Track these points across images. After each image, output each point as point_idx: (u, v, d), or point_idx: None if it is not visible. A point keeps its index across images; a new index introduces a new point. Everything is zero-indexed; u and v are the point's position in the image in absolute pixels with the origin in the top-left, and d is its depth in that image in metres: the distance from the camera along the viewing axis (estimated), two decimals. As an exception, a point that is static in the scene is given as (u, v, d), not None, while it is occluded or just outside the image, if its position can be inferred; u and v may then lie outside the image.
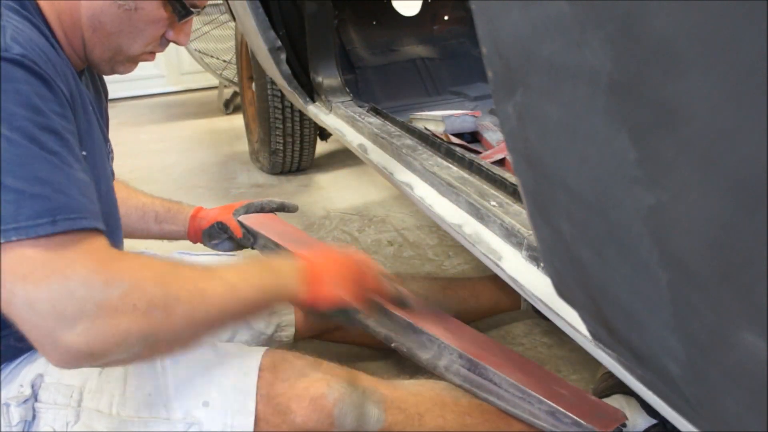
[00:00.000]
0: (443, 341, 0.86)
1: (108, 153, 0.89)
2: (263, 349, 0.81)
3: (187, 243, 1.19)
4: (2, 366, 0.74)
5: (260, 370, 0.76)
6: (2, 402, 0.72)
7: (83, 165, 0.64)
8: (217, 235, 1.14)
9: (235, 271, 0.72)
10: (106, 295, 0.56)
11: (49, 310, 0.55)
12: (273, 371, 0.77)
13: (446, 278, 1.41)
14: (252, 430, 0.74)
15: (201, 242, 1.16)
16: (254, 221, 1.14)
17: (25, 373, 0.74)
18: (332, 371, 0.80)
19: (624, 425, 0.79)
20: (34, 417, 0.72)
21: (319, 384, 0.77)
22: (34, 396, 0.73)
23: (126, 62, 0.81)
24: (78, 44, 0.76)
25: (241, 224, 1.13)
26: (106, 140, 0.91)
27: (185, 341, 0.67)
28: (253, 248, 1.14)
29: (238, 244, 1.15)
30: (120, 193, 1.01)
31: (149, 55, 0.82)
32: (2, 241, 0.55)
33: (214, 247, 1.16)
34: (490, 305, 1.29)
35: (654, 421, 0.93)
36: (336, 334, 1.20)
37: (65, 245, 0.57)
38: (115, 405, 0.73)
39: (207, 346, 0.80)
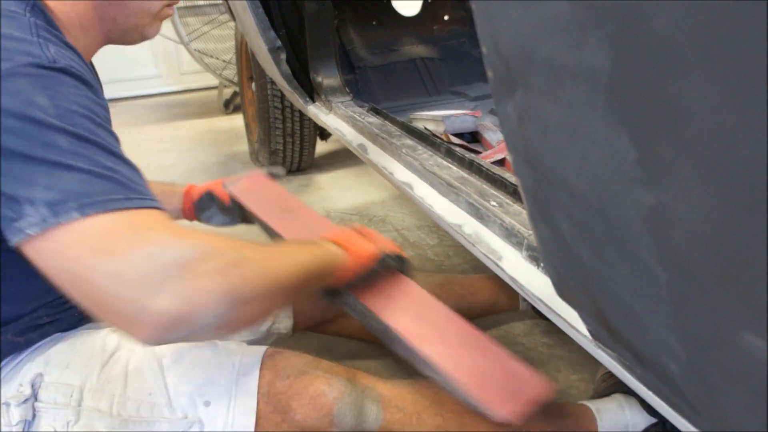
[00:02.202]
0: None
1: None
2: (263, 348, 0.81)
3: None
4: (2, 365, 0.74)
5: (261, 369, 0.77)
6: (2, 401, 0.72)
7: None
8: (207, 206, 1.14)
9: (288, 246, 0.78)
10: (188, 258, 0.57)
11: (136, 278, 0.55)
12: (273, 369, 0.77)
13: (443, 275, 1.41)
14: (253, 429, 0.74)
15: (196, 218, 1.16)
16: (241, 187, 1.13)
17: (24, 372, 0.74)
18: (332, 369, 0.80)
19: (552, 402, 0.76)
20: (34, 416, 0.72)
21: (318, 382, 0.77)
22: (34, 395, 0.73)
23: (152, 22, 0.81)
24: (95, 27, 0.77)
25: (230, 193, 1.12)
26: None
27: (263, 303, 0.66)
28: (243, 219, 1.13)
29: (228, 214, 1.14)
30: None
31: (169, 8, 0.82)
32: (80, 216, 0.56)
33: (207, 220, 1.14)
34: (488, 304, 1.28)
35: (654, 420, 0.94)
36: (331, 326, 1.20)
37: (140, 220, 0.59)
38: (115, 405, 0.73)
39: (207, 345, 0.80)
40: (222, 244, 0.62)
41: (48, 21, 0.70)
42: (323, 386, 0.77)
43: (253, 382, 0.76)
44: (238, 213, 1.13)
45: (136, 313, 0.56)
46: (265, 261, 0.65)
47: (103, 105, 0.67)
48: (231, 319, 0.61)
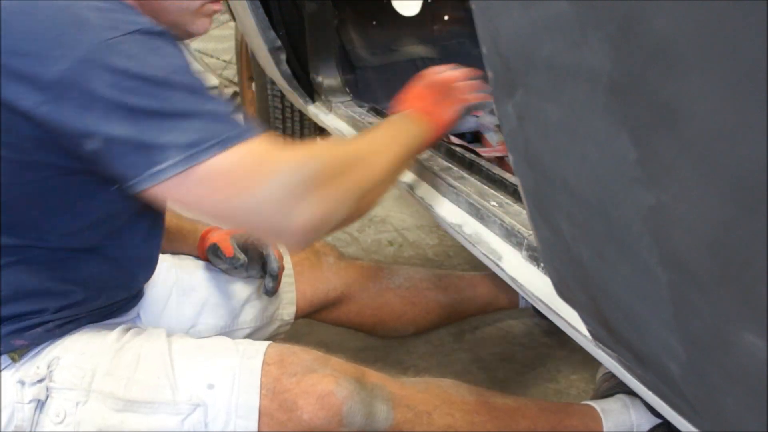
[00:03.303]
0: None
1: None
2: (267, 343, 0.81)
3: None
4: (31, 350, 0.76)
5: (266, 364, 0.76)
6: (18, 380, 0.73)
7: None
8: (213, 256, 1.13)
9: (380, 130, 0.86)
10: (311, 175, 0.67)
11: (275, 207, 0.66)
12: (280, 366, 0.77)
13: (444, 270, 1.41)
14: (257, 406, 0.74)
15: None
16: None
17: (44, 355, 0.75)
18: (340, 367, 0.79)
19: None
20: (47, 397, 0.73)
21: (327, 381, 0.76)
22: (49, 376, 0.74)
23: (195, 19, 0.82)
24: None
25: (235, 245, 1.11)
26: None
27: (378, 188, 0.80)
28: (245, 270, 1.11)
29: (231, 266, 1.12)
30: None
31: (213, 4, 0.83)
32: (219, 150, 0.64)
33: (216, 265, 1.14)
34: (487, 300, 1.28)
35: (658, 421, 0.93)
36: (331, 313, 1.19)
37: (260, 150, 0.67)
38: (123, 388, 0.74)
39: (213, 338, 0.82)
40: (334, 151, 0.74)
41: None
42: (332, 385, 0.76)
43: (257, 366, 0.76)
44: (240, 266, 1.11)
45: (281, 231, 0.68)
46: (372, 155, 0.77)
47: (192, 64, 0.73)
48: (359, 208, 0.77)
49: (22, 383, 0.73)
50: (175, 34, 0.81)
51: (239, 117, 0.69)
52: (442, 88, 0.95)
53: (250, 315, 1.07)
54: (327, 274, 1.16)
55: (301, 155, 0.68)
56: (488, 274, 1.25)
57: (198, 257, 1.10)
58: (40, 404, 0.73)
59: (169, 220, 1.09)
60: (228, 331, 1.04)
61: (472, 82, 0.99)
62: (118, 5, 0.69)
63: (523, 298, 1.25)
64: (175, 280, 1.01)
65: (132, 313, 0.93)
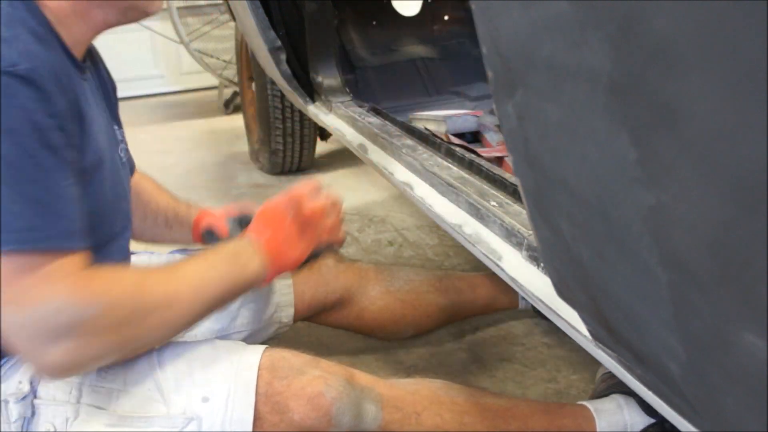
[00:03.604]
0: None
1: (119, 141, 0.88)
2: (262, 347, 0.81)
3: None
4: (2, 362, 0.74)
5: (259, 368, 0.77)
6: (1, 398, 0.72)
7: (74, 180, 0.66)
8: (208, 240, 1.13)
9: (204, 266, 0.76)
10: (83, 318, 0.62)
11: (34, 334, 0.61)
12: (271, 370, 0.77)
13: (444, 270, 1.41)
14: (251, 419, 0.74)
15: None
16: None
17: (24, 368, 0.74)
18: (330, 369, 0.80)
19: None
20: (33, 414, 0.72)
21: (317, 382, 0.77)
22: (33, 392, 0.73)
23: None
24: (89, 11, 0.74)
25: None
26: (119, 126, 0.90)
27: (159, 342, 0.74)
28: None
29: None
30: (143, 196, 1.05)
31: None
32: (12, 249, 0.59)
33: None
34: (486, 301, 1.28)
35: (652, 421, 0.93)
36: (330, 316, 1.20)
37: (50, 268, 0.61)
38: (113, 401, 0.73)
39: (206, 343, 0.81)
40: (123, 295, 0.66)
41: (30, 9, 0.68)
42: (321, 386, 0.77)
43: (252, 379, 0.76)
44: None
45: (33, 359, 0.63)
46: (165, 306, 0.69)
47: (62, 115, 0.65)
48: (121, 358, 0.70)
49: (6, 402, 0.72)
50: (133, 16, 0.79)
51: (66, 212, 0.63)
52: (302, 223, 0.88)
53: (246, 318, 1.07)
54: (326, 277, 1.16)
55: (85, 293, 0.62)
56: (488, 274, 1.25)
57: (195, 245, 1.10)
58: (27, 421, 0.72)
59: (166, 204, 1.09)
60: (224, 335, 1.04)
61: (335, 220, 0.95)
62: (8, 21, 0.64)
63: (523, 298, 1.25)
64: None
65: None
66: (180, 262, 0.77)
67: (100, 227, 0.76)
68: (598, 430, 0.92)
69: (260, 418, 0.75)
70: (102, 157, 0.77)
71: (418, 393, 0.85)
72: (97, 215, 0.74)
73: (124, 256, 0.88)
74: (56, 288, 0.61)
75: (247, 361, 0.77)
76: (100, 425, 0.72)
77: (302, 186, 0.91)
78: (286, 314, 1.13)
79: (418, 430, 0.82)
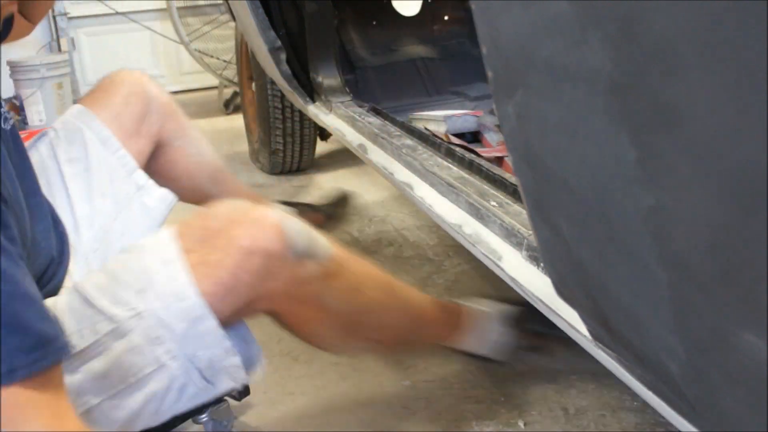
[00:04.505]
0: None
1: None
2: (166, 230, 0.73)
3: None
4: None
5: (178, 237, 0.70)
6: None
7: (24, 263, 0.54)
8: None
9: None
10: None
11: None
12: (194, 230, 0.71)
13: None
14: (189, 280, 0.67)
15: None
16: None
17: None
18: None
19: None
20: None
21: (259, 208, 0.70)
22: None
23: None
24: None
25: None
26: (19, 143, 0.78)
27: None
28: None
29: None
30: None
31: None
32: None
33: None
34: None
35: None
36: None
37: (22, 400, 0.49)
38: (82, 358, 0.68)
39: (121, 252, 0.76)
40: None
41: None
42: (264, 210, 0.70)
43: (174, 248, 0.69)
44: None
45: None
46: None
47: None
48: None
49: None
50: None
51: (33, 315, 0.50)
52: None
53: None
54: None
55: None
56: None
57: None
58: None
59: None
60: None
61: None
62: None
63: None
64: None
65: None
66: None
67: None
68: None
69: (199, 264, 0.67)
70: (30, 202, 0.70)
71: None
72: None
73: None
74: (33, 420, 0.49)
75: (160, 239, 0.71)
76: (88, 395, 0.68)
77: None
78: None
79: (360, 270, 0.84)
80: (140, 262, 0.71)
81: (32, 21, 0.69)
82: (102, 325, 0.69)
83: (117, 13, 3.79)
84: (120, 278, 0.71)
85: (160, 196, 0.99)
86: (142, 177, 0.99)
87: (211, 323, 0.69)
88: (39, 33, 3.67)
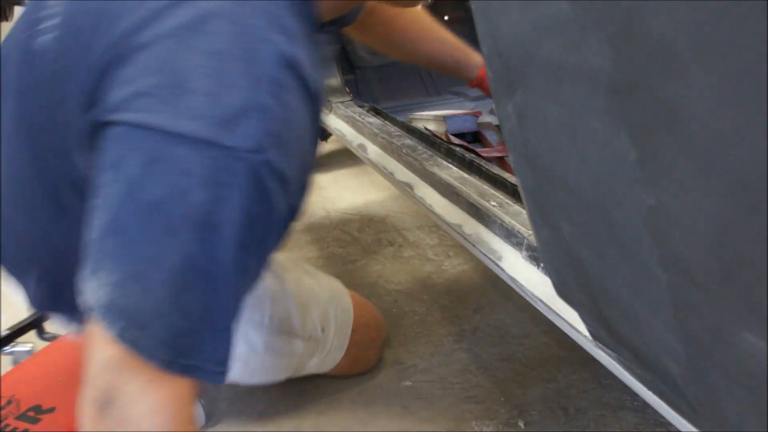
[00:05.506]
0: None
1: None
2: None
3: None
4: None
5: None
6: None
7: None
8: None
9: None
10: None
11: None
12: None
13: None
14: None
15: None
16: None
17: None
18: None
19: None
20: None
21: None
22: None
23: None
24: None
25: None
26: None
27: None
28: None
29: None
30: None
31: None
32: (117, 338, 0.50)
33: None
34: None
35: None
36: None
37: (152, 399, 0.53)
38: (266, 318, 0.94)
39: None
40: None
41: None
42: None
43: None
44: None
45: None
46: None
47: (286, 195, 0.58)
48: None
49: None
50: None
51: (219, 323, 0.54)
52: None
53: None
54: None
55: None
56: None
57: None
58: None
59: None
60: None
61: None
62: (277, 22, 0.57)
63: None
64: None
65: None
66: None
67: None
68: None
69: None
70: None
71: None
72: None
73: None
74: (157, 423, 0.51)
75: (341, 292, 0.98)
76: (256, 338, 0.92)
77: None
78: None
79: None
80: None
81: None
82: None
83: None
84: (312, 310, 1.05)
85: None
86: None
87: None
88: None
